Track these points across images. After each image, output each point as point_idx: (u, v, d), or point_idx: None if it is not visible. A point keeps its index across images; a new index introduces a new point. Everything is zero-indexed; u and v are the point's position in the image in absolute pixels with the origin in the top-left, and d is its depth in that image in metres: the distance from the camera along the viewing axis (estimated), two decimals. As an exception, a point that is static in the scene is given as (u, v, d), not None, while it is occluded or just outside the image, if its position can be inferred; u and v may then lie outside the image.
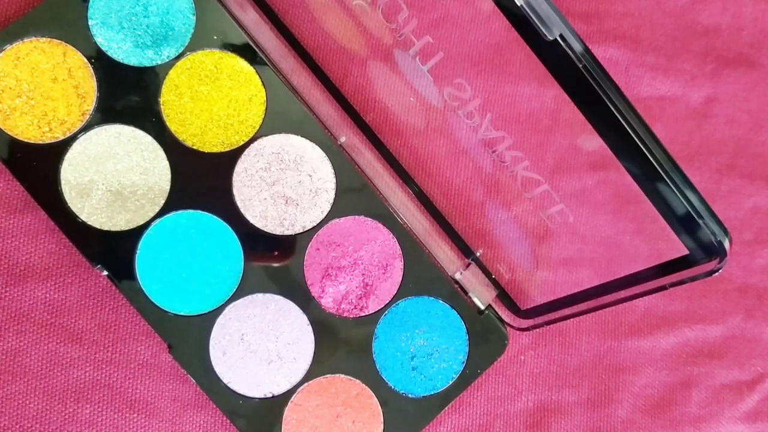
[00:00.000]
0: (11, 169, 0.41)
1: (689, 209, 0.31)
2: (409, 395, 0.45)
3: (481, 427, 0.48)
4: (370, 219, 0.45)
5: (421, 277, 0.45)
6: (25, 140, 0.41)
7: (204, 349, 0.43)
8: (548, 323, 0.43)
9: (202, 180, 0.43)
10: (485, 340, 0.46)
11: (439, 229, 0.47)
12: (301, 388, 0.44)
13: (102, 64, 0.41)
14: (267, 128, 0.43)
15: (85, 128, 0.41)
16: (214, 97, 0.43)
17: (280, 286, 0.44)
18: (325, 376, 0.44)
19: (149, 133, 0.42)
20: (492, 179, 0.43)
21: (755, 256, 0.53)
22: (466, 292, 0.46)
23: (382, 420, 0.44)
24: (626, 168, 0.32)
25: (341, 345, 0.44)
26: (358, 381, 0.44)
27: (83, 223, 0.41)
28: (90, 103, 0.41)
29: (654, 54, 0.51)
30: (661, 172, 0.31)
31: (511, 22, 0.31)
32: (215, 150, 0.43)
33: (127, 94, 0.42)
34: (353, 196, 0.44)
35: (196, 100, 0.42)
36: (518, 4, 0.30)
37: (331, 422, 0.44)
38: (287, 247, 0.44)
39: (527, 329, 0.45)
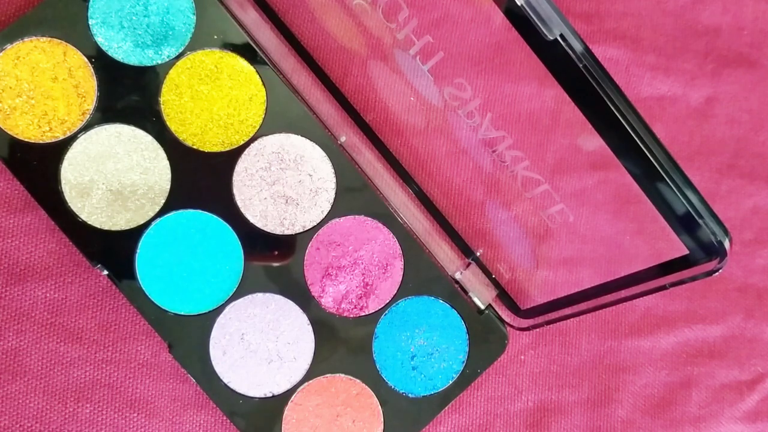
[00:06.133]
0: (11, 168, 0.41)
1: (689, 209, 0.31)
2: (409, 395, 0.45)
3: (481, 427, 0.48)
4: (370, 219, 0.45)
5: (421, 277, 0.45)
6: (26, 140, 0.41)
7: (204, 349, 0.43)
8: (548, 323, 0.43)
9: (202, 179, 0.43)
10: (485, 339, 0.46)
11: (439, 229, 0.47)
12: (301, 387, 0.44)
13: (102, 63, 0.41)
14: (267, 128, 0.43)
15: (86, 128, 0.41)
16: (214, 96, 0.43)
17: (280, 286, 0.44)
18: (325, 375, 0.44)
19: (149, 133, 0.42)
20: (492, 179, 0.43)
21: (755, 256, 0.53)
22: (466, 292, 0.46)
23: (382, 420, 0.44)
24: (626, 168, 0.32)
25: (341, 345, 0.44)
26: (358, 381, 0.44)
27: (83, 223, 0.41)
28: (90, 102, 0.41)
29: (654, 54, 0.51)
30: (661, 172, 0.31)
31: (511, 21, 0.31)
32: (215, 149, 0.43)
33: (128, 94, 0.42)
34: (353, 195, 0.44)
35: (197, 99, 0.42)
36: (518, 4, 0.30)
37: (331, 422, 0.44)
38: (287, 246, 0.44)
39: (527, 329, 0.45)
